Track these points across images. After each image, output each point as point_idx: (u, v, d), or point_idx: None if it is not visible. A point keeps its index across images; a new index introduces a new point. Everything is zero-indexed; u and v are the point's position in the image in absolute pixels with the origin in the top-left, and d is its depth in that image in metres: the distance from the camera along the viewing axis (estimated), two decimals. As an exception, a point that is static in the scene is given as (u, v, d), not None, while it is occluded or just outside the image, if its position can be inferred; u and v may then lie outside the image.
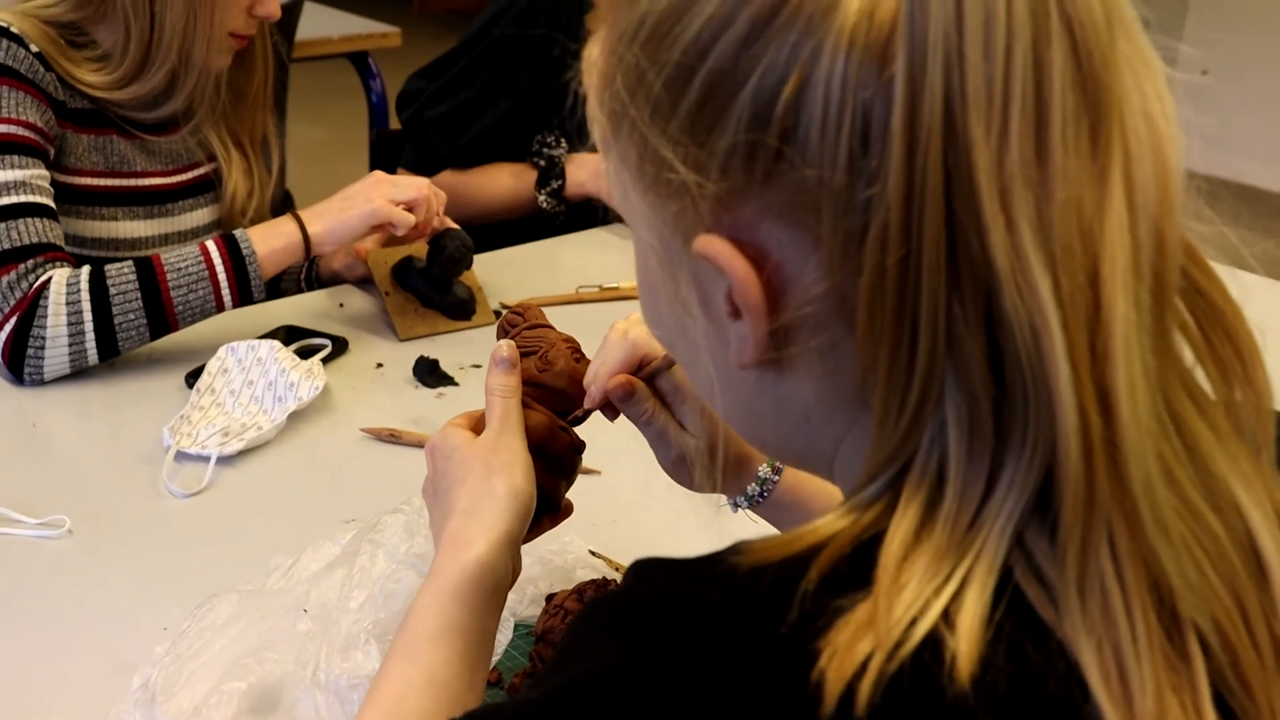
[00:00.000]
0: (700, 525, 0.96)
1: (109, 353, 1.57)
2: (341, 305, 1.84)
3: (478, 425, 0.96)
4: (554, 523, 1.02)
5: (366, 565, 1.08)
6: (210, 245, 1.61)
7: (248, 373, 1.53)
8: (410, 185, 1.70)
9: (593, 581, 1.12)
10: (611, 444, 1.14)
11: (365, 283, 1.87)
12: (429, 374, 1.62)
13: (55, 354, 1.54)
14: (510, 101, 2.10)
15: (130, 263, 1.58)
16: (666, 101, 0.58)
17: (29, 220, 1.56)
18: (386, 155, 2.39)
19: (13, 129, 1.59)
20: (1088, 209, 0.53)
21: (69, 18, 1.67)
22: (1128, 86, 0.54)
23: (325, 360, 1.62)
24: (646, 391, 0.98)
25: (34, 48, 1.63)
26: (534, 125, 2.13)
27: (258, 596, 1.08)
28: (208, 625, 1.05)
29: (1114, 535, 0.53)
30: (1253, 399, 0.59)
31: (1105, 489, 0.52)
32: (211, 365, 1.54)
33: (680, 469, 1.00)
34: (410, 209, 1.68)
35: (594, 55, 0.63)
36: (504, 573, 0.88)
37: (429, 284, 1.77)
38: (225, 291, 1.60)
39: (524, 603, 1.15)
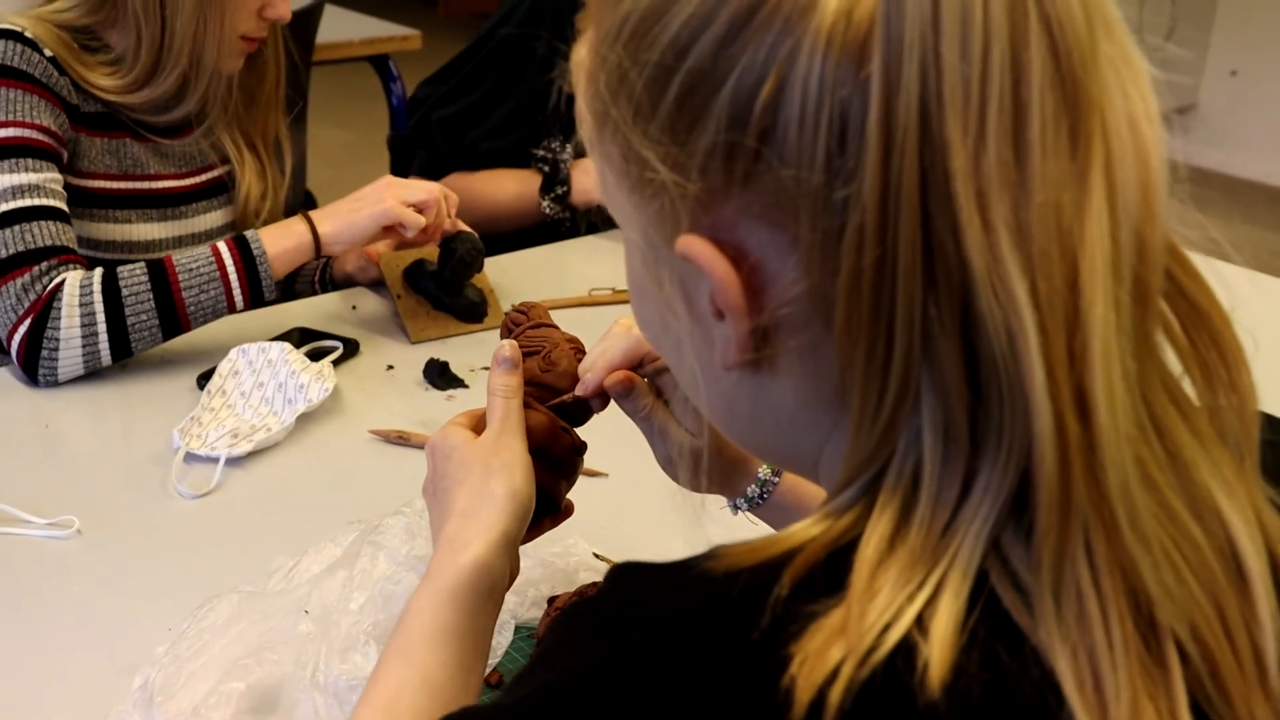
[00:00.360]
0: (711, 530, 0.96)
1: (122, 354, 1.58)
2: (354, 308, 1.85)
3: (479, 425, 0.96)
4: (554, 523, 1.02)
5: (367, 567, 1.08)
6: (221, 246, 1.62)
7: (258, 375, 1.54)
8: (421, 187, 1.70)
9: (595, 584, 1.11)
10: (618, 446, 1.14)
11: (378, 285, 1.88)
12: (439, 376, 1.63)
13: (69, 355, 1.55)
14: (514, 103, 2.10)
15: (142, 264, 1.59)
16: (647, 102, 0.58)
17: (42, 223, 1.58)
18: (405, 158, 2.39)
19: (26, 132, 1.60)
20: (1067, 211, 0.52)
21: (82, 22, 1.69)
22: (1109, 87, 0.54)
23: (336, 362, 1.63)
24: (645, 387, 0.97)
25: (48, 52, 1.64)
26: (540, 128, 2.13)
27: (258, 598, 1.08)
28: (207, 626, 1.05)
29: (1091, 541, 0.52)
30: (1237, 404, 0.58)
31: (1082, 493, 0.52)
32: (222, 367, 1.55)
33: (676, 468, 1.00)
34: (421, 211, 1.69)
35: (582, 55, 0.63)
36: (501, 574, 0.88)
37: (440, 287, 1.78)
38: (237, 292, 1.61)
39: (526, 605, 1.15)
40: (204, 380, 1.56)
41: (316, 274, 1.95)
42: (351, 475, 1.44)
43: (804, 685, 0.50)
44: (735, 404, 0.64)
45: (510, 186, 2.16)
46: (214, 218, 1.86)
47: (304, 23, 2.59)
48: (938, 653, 0.50)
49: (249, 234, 1.64)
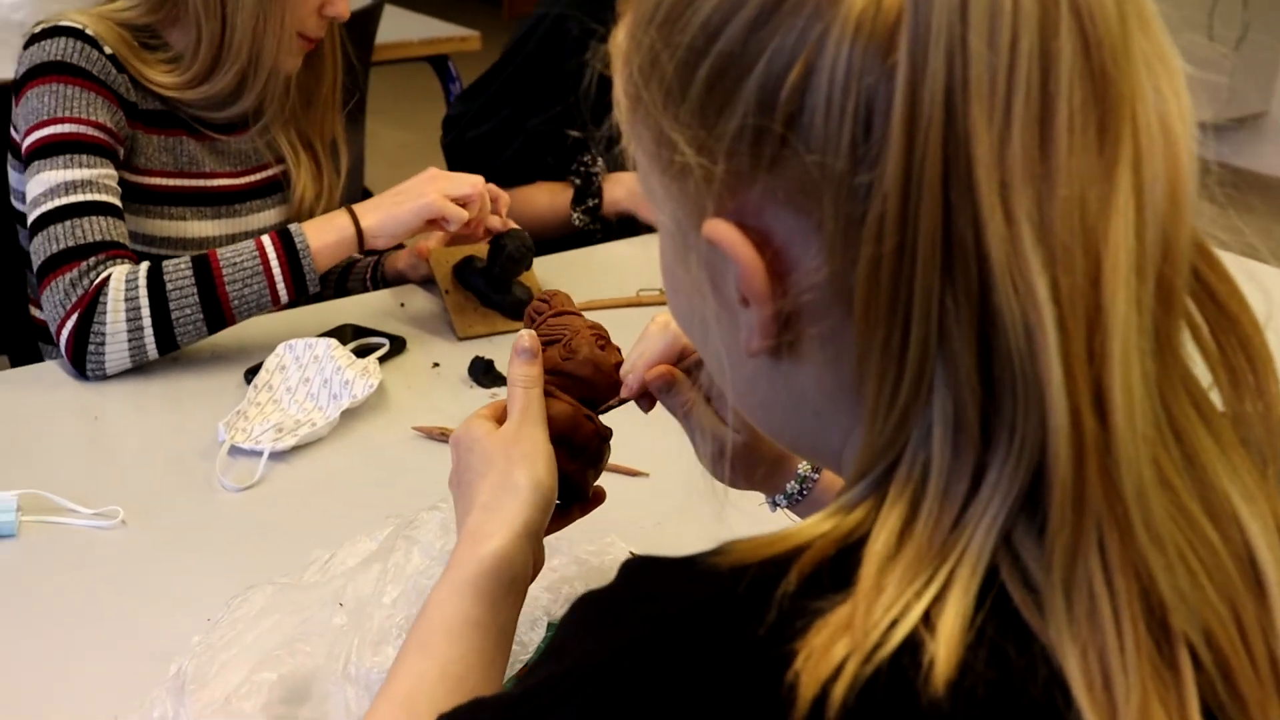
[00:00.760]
0: (746, 528, 0.95)
1: (168, 347, 1.60)
2: (403, 305, 1.86)
3: (501, 416, 0.96)
4: (584, 512, 1.02)
5: (401, 561, 1.08)
6: (265, 239, 1.63)
7: (304, 370, 1.55)
8: (464, 181, 1.71)
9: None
10: (659, 446, 1.14)
11: (428, 283, 1.89)
12: (484, 374, 1.63)
13: (115, 349, 1.57)
14: (543, 116, 2.10)
15: (188, 258, 1.60)
16: (678, 85, 0.58)
17: (93, 219, 1.60)
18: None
19: (82, 129, 1.63)
20: (1092, 206, 0.52)
21: (143, 21, 1.71)
22: (1141, 83, 0.53)
23: (382, 359, 1.64)
24: (686, 383, 0.97)
25: (108, 49, 1.66)
26: (572, 140, 2.12)
27: (292, 589, 1.09)
28: (241, 616, 1.06)
29: (1104, 540, 0.51)
30: (1263, 410, 0.57)
31: (1096, 492, 0.51)
32: (269, 362, 1.56)
33: (717, 464, 0.99)
34: (464, 205, 1.69)
35: (620, 39, 0.64)
36: (523, 566, 0.88)
37: (489, 283, 1.78)
38: (280, 285, 1.62)
39: (560, 603, 1.14)
40: (251, 375, 1.58)
41: (368, 271, 1.97)
42: (394, 471, 1.45)
43: (808, 681, 0.49)
44: (760, 391, 0.64)
45: (542, 199, 2.17)
46: (268, 216, 1.88)
47: (363, 23, 2.61)
48: (943, 650, 0.50)
49: (292, 227, 1.65)
